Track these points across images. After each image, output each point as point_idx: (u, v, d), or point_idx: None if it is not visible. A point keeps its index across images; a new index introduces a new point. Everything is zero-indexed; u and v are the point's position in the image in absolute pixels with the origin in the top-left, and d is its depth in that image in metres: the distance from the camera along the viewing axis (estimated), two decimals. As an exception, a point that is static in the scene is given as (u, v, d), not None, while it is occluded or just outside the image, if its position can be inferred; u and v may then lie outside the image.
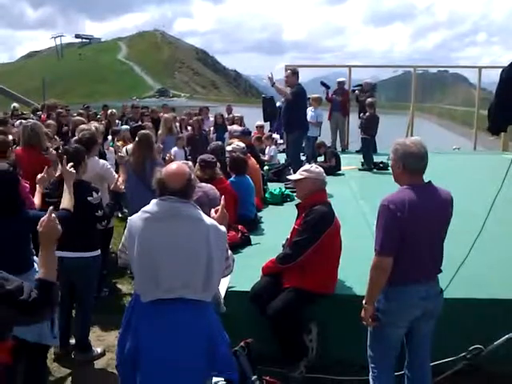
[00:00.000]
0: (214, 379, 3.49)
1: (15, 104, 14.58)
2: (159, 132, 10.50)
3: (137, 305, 3.05)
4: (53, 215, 2.42)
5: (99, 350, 4.76)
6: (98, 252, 4.54)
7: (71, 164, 4.21)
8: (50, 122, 8.24)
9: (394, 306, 3.29)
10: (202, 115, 12.83)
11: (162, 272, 2.89)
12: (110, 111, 12.65)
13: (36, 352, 3.69)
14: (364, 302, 3.36)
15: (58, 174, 4.55)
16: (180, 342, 2.90)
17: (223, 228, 3.07)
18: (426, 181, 3.32)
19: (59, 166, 4.52)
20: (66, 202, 3.96)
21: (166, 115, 11.05)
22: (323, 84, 13.69)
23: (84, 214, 4.29)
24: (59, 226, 2.43)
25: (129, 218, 3.12)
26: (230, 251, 3.19)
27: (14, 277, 2.22)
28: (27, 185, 4.47)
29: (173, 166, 3.07)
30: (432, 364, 3.76)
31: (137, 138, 6.35)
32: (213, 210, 3.35)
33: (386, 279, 3.22)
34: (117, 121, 12.12)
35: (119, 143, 8.40)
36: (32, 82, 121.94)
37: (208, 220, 3.01)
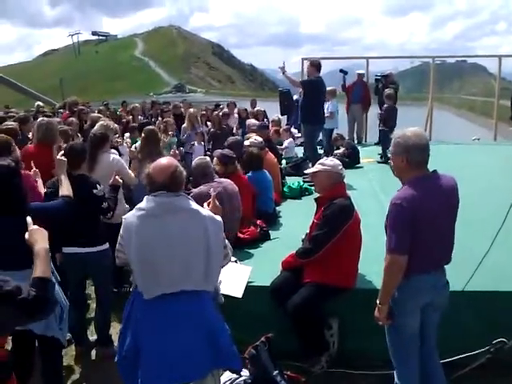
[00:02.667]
0: (230, 374, 3.50)
1: (39, 102, 14.70)
2: (183, 126, 10.56)
3: (136, 301, 3.07)
4: (29, 220, 2.54)
5: (120, 345, 4.79)
6: (107, 246, 4.56)
7: (62, 153, 4.29)
8: (72, 119, 8.28)
9: (403, 294, 3.25)
10: (229, 110, 12.84)
11: (162, 267, 2.91)
12: (132, 105, 12.71)
13: (49, 347, 3.74)
14: (378, 301, 3.31)
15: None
16: (181, 334, 2.92)
17: (219, 218, 3.09)
18: (433, 170, 3.27)
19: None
20: (64, 189, 3.99)
21: (191, 110, 11.08)
22: (342, 71, 13.52)
23: (91, 206, 4.38)
24: (42, 230, 2.51)
25: (123, 216, 3.13)
26: (226, 240, 3.19)
27: (10, 278, 2.24)
28: (35, 182, 4.51)
29: (160, 160, 3.10)
30: (454, 358, 3.73)
31: (143, 134, 6.39)
32: (205, 203, 3.37)
33: (401, 278, 3.17)
34: (140, 116, 12.16)
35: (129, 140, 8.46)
36: (50, 80, 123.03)
37: (203, 211, 3.03)
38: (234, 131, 11.26)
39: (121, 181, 4.88)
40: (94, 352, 4.76)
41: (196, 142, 9.71)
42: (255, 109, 13.81)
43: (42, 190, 4.43)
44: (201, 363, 2.95)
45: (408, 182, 3.21)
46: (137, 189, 5.85)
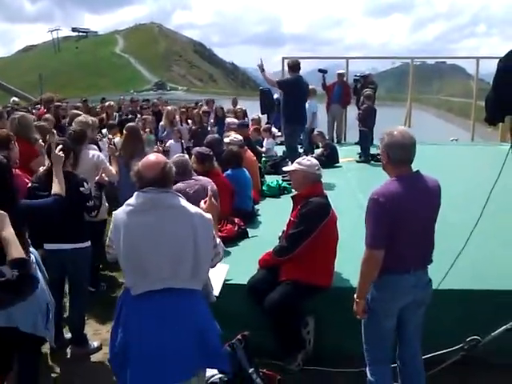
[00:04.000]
0: (208, 371, 3.49)
1: (15, 98, 14.51)
2: (161, 123, 10.51)
3: (126, 298, 3.06)
4: None
5: (96, 343, 4.76)
6: (88, 243, 4.54)
7: (60, 147, 4.22)
8: (47, 116, 8.19)
9: (383, 294, 3.29)
10: (208, 108, 12.80)
11: (149, 263, 2.91)
12: (107, 103, 12.62)
13: (29, 344, 3.69)
14: (355, 295, 3.35)
15: (45, 167, 4.53)
16: (169, 334, 2.90)
17: (209, 215, 3.08)
18: (416, 170, 3.29)
19: (46, 158, 4.52)
20: (57, 186, 3.96)
21: (168, 108, 11.07)
22: (320, 70, 13.59)
23: (78, 204, 4.34)
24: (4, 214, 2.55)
25: (113, 212, 3.13)
26: (218, 239, 3.19)
27: None
28: (27, 180, 4.45)
29: (149, 157, 3.10)
30: (429, 355, 3.77)
31: (125, 131, 6.35)
32: (202, 202, 3.36)
33: (377, 272, 3.21)
34: (114, 113, 12.09)
35: (111, 136, 8.39)
36: (29, 76, 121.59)
37: (192, 208, 3.02)
38: (209, 129, 11.23)
39: (106, 179, 4.84)
40: (68, 350, 4.70)
41: (173, 140, 9.66)
42: (236, 107, 13.80)
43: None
44: (187, 364, 2.93)
45: (390, 178, 3.25)
46: (123, 186, 5.82)
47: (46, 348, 4.60)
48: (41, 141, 5.52)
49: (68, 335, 4.78)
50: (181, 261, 2.93)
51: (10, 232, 2.45)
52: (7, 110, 10.27)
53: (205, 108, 12.38)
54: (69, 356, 4.66)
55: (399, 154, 3.22)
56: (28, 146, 5.21)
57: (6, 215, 2.53)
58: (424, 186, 3.26)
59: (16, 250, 2.37)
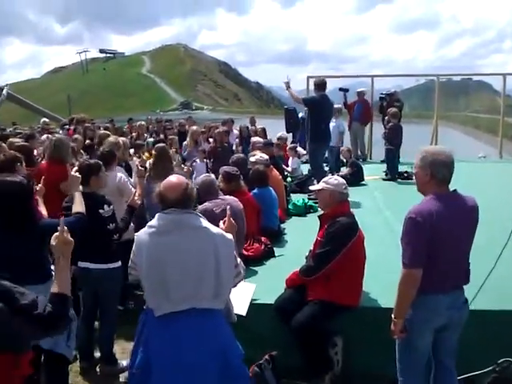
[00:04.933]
0: None
1: (45, 119, 14.81)
2: (184, 143, 10.60)
3: (148, 318, 3.07)
4: (65, 228, 2.47)
5: (124, 362, 4.77)
6: (118, 264, 4.56)
7: (76, 169, 4.32)
8: (76, 136, 8.34)
9: (419, 314, 3.23)
10: (227, 127, 12.87)
11: (171, 284, 2.92)
12: (138, 123, 12.79)
13: (55, 362, 3.73)
14: (393, 315, 3.30)
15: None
16: (192, 354, 2.91)
17: (230, 236, 3.10)
18: (453, 190, 3.27)
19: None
20: (78, 205, 4.04)
21: (193, 127, 11.15)
22: (341, 89, 13.63)
23: (95, 226, 4.31)
24: (71, 239, 2.48)
25: (135, 234, 3.16)
26: (239, 259, 3.20)
27: (29, 291, 2.26)
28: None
29: (171, 178, 3.14)
30: (461, 377, 3.70)
31: (154, 152, 6.43)
32: (221, 222, 3.36)
33: (415, 292, 3.17)
34: (145, 134, 12.24)
35: (145, 156, 8.49)
36: (58, 97, 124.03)
37: (214, 228, 3.04)
38: (234, 148, 11.26)
39: (139, 202, 4.88)
40: (97, 369, 4.73)
41: (198, 160, 9.73)
42: (253, 127, 13.81)
43: (43, 207, 4.38)
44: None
45: (427, 197, 3.21)
46: (152, 207, 5.86)
47: (76, 366, 4.66)
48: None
49: (97, 354, 4.81)
50: (203, 281, 2.94)
51: (65, 263, 2.43)
52: (38, 130, 10.50)
53: (225, 128, 12.45)
54: (97, 374, 4.68)
55: (443, 173, 3.19)
56: (60, 168, 5.33)
57: (70, 245, 2.49)
58: (462, 205, 3.23)
59: (60, 284, 2.34)
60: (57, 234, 2.47)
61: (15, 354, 2.33)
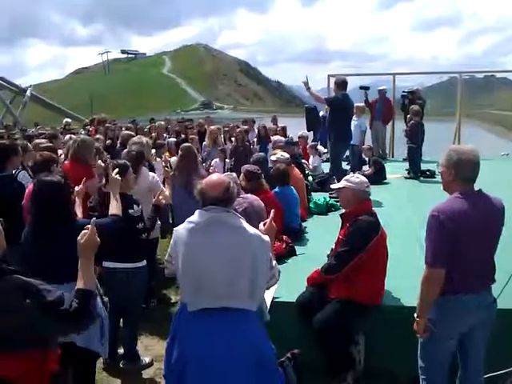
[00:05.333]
0: None
1: (67, 119, 15.02)
2: (204, 143, 10.64)
3: (183, 314, 3.10)
4: (94, 228, 2.53)
5: (147, 359, 4.83)
6: (144, 263, 4.61)
7: (116, 171, 4.31)
8: (98, 136, 8.44)
9: (445, 316, 3.21)
10: (248, 126, 12.89)
11: (207, 281, 2.94)
12: (157, 123, 12.88)
13: (84, 359, 3.78)
14: (416, 315, 3.28)
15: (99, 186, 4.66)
16: (227, 353, 2.92)
17: (267, 238, 3.08)
18: (478, 189, 3.23)
19: (103, 179, 4.62)
20: (114, 207, 4.08)
21: (211, 127, 11.19)
22: (362, 87, 13.55)
23: (125, 226, 4.33)
24: (98, 239, 2.54)
25: (174, 228, 3.19)
26: (274, 261, 3.19)
27: (55, 288, 2.32)
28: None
29: (213, 176, 3.19)
30: (486, 376, 3.65)
31: (180, 152, 6.46)
32: (261, 223, 3.33)
33: (438, 291, 3.14)
34: (164, 134, 12.31)
35: (166, 155, 8.56)
36: (80, 97, 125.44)
37: (251, 229, 3.04)
38: (252, 147, 11.26)
39: (164, 201, 4.91)
40: (121, 365, 4.79)
41: (218, 159, 9.77)
42: (274, 125, 13.78)
43: (79, 209, 4.39)
44: (244, 383, 2.96)
45: (452, 196, 3.19)
46: (178, 206, 5.92)
47: (99, 363, 4.72)
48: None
49: (121, 351, 4.87)
50: (238, 281, 2.94)
51: (88, 261, 2.50)
52: (60, 131, 10.66)
53: (245, 127, 12.46)
54: (121, 371, 4.74)
55: (469, 172, 3.16)
56: (84, 168, 5.39)
57: (95, 244, 2.55)
58: (487, 205, 3.19)
59: (84, 280, 2.41)
60: (85, 231, 2.52)
61: (43, 349, 2.38)
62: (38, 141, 6.55)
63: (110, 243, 4.09)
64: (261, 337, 3.08)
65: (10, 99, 35.61)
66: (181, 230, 3.08)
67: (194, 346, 2.97)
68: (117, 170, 4.34)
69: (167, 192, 5.71)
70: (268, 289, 3.25)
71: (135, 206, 4.44)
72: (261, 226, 3.31)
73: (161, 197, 4.85)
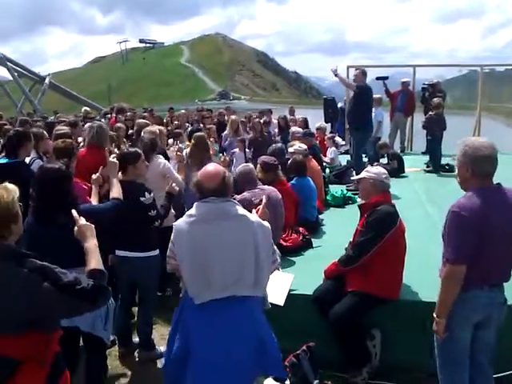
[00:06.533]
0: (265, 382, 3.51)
1: (86, 108, 15.06)
2: (224, 133, 10.62)
3: (186, 306, 3.11)
4: (80, 223, 2.66)
5: (162, 348, 4.82)
6: (157, 252, 4.59)
7: (113, 156, 4.37)
8: (119, 125, 8.43)
9: (459, 311, 3.14)
10: (266, 117, 12.84)
11: (212, 272, 2.95)
12: (178, 113, 12.87)
13: (94, 346, 3.82)
14: (435, 314, 3.21)
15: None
16: (231, 342, 2.94)
17: (267, 223, 3.12)
18: (497, 183, 3.15)
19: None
20: (115, 191, 4.10)
21: (232, 117, 11.17)
22: (380, 78, 13.37)
23: (137, 214, 4.36)
24: (88, 223, 2.65)
25: (174, 223, 3.19)
26: (274, 246, 3.22)
27: (69, 271, 2.36)
28: (85, 186, 4.56)
29: (208, 167, 3.17)
30: (498, 375, 3.60)
31: (192, 141, 6.45)
32: (254, 210, 3.36)
33: (459, 289, 3.07)
34: (186, 124, 12.31)
35: (186, 145, 8.56)
36: (98, 86, 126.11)
37: (251, 216, 3.08)
38: (273, 139, 11.21)
39: (177, 189, 4.90)
40: (136, 354, 4.81)
41: (238, 149, 9.75)
42: (292, 116, 13.68)
43: (95, 196, 4.37)
44: (248, 372, 2.99)
45: (471, 191, 3.11)
46: (189, 195, 5.91)
47: (114, 351, 4.74)
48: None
49: (136, 339, 4.88)
50: (244, 268, 2.97)
51: (93, 243, 2.56)
52: (80, 119, 10.69)
53: (265, 118, 12.43)
54: (136, 359, 4.76)
55: (484, 168, 3.07)
56: (100, 154, 5.39)
57: (91, 227, 2.63)
58: (507, 199, 3.11)
59: (94, 261, 2.46)
60: (75, 215, 2.68)
61: (48, 330, 2.41)
62: (58, 127, 6.56)
63: (114, 227, 4.12)
64: (263, 324, 3.11)
65: (29, 87, 35.88)
66: (181, 223, 3.07)
67: (199, 337, 2.98)
68: (114, 155, 4.37)
69: (180, 178, 5.70)
70: (271, 273, 3.24)
71: (147, 193, 4.43)
72: (253, 211, 3.33)
73: (174, 184, 4.83)
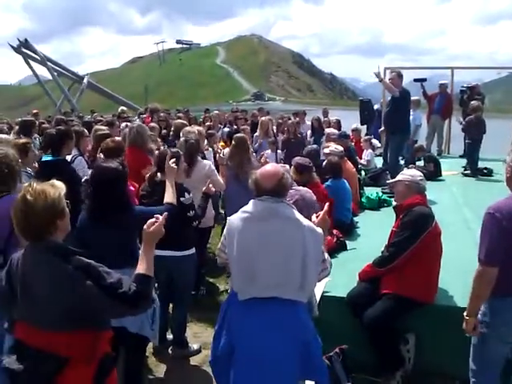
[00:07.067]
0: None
1: (123, 107, 15.28)
2: (255, 134, 10.65)
3: (232, 302, 3.13)
4: (164, 221, 2.63)
5: (195, 346, 4.88)
6: (193, 251, 4.64)
7: (173, 160, 4.33)
8: (153, 124, 8.54)
9: (498, 319, 3.11)
10: (299, 119, 12.83)
11: (259, 270, 2.96)
12: (213, 113, 12.95)
13: (136, 344, 3.85)
14: (465, 313, 3.21)
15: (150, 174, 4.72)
16: (275, 342, 2.94)
17: (319, 230, 3.09)
18: None
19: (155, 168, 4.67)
20: (169, 196, 4.11)
21: (263, 118, 11.19)
22: (418, 80, 13.20)
23: (177, 214, 4.40)
24: (163, 230, 2.62)
25: (228, 218, 3.23)
26: (326, 254, 3.19)
27: (114, 271, 2.38)
28: (132, 187, 4.64)
29: (267, 167, 3.21)
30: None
31: (233, 142, 6.47)
32: (314, 215, 3.33)
33: (490, 290, 3.06)
34: (219, 125, 12.38)
35: (220, 145, 8.61)
36: (135, 86, 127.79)
37: (304, 220, 3.06)
38: (307, 140, 11.19)
39: (213, 189, 4.95)
40: (169, 351, 4.86)
41: (270, 150, 9.77)
42: (326, 118, 13.62)
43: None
44: (291, 374, 2.97)
45: (509, 194, 3.10)
46: (230, 195, 5.96)
47: (149, 348, 4.80)
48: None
49: (170, 337, 4.94)
50: (290, 271, 2.96)
51: (151, 250, 2.58)
52: (115, 118, 10.87)
53: (297, 119, 12.42)
54: (170, 356, 4.81)
55: None
56: (141, 154, 5.48)
57: (158, 235, 2.64)
58: None
59: (144, 266, 2.47)
60: (153, 220, 2.62)
61: (96, 330, 2.45)
62: (97, 127, 6.69)
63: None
64: (310, 329, 3.09)
65: (68, 86, 36.59)
66: (235, 219, 3.11)
67: (243, 335, 3.00)
68: (173, 159, 4.36)
69: (221, 180, 5.74)
70: (319, 281, 3.23)
71: (186, 193, 4.48)
72: (313, 217, 3.30)
73: (211, 185, 4.87)
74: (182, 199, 4.40)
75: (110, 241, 3.46)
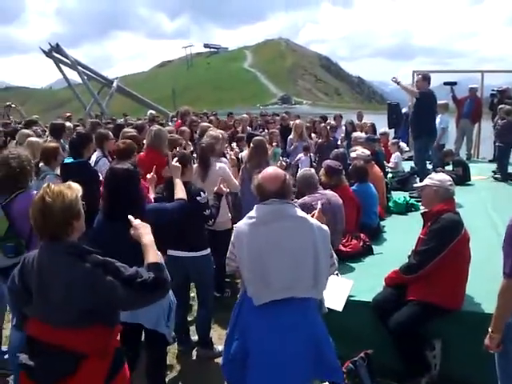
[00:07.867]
0: None
1: (152, 111, 15.45)
2: (289, 137, 10.69)
3: (245, 305, 3.15)
4: (134, 223, 2.75)
5: (220, 348, 4.89)
6: (208, 251, 4.69)
7: (176, 159, 4.45)
8: (184, 128, 8.62)
9: None
10: (335, 122, 12.86)
11: (272, 273, 2.98)
12: (240, 117, 13.03)
13: (155, 342, 3.91)
14: (490, 329, 3.09)
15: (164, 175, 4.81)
16: (289, 343, 2.96)
17: (325, 227, 3.14)
18: None
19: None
20: (180, 192, 4.20)
21: (296, 121, 11.24)
22: (448, 83, 13.06)
23: (194, 213, 4.45)
24: (144, 223, 2.75)
25: (235, 225, 3.25)
26: (332, 250, 3.23)
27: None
28: (147, 185, 4.74)
29: (268, 169, 3.23)
30: None
31: (252, 145, 6.51)
32: (309, 215, 3.35)
33: None
34: (248, 128, 12.42)
35: (237, 148, 8.65)
36: (162, 90, 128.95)
37: (311, 219, 3.11)
38: (339, 143, 11.18)
39: (225, 189, 5.00)
40: (194, 352, 4.90)
41: (303, 154, 9.77)
42: (363, 121, 13.57)
43: (152, 195, 4.61)
44: (305, 374, 3.00)
45: None
46: (247, 198, 5.98)
47: (174, 349, 4.84)
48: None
49: (195, 337, 4.97)
50: (303, 269, 2.99)
51: (149, 239, 2.64)
52: (146, 122, 10.99)
53: (333, 123, 12.41)
54: (194, 357, 4.85)
55: None
56: (159, 156, 5.60)
57: (145, 225, 2.73)
58: None
59: (153, 256, 2.54)
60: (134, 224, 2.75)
61: (110, 325, 2.52)
62: (126, 129, 6.82)
63: (175, 230, 4.22)
64: (322, 328, 3.12)
65: (98, 90, 37.06)
66: (242, 225, 3.13)
67: (259, 338, 3.01)
68: (177, 159, 4.46)
69: (236, 181, 5.80)
70: (328, 277, 3.25)
71: (202, 193, 4.54)
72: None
73: (222, 185, 4.91)
74: (198, 198, 4.46)
75: (124, 239, 3.52)
